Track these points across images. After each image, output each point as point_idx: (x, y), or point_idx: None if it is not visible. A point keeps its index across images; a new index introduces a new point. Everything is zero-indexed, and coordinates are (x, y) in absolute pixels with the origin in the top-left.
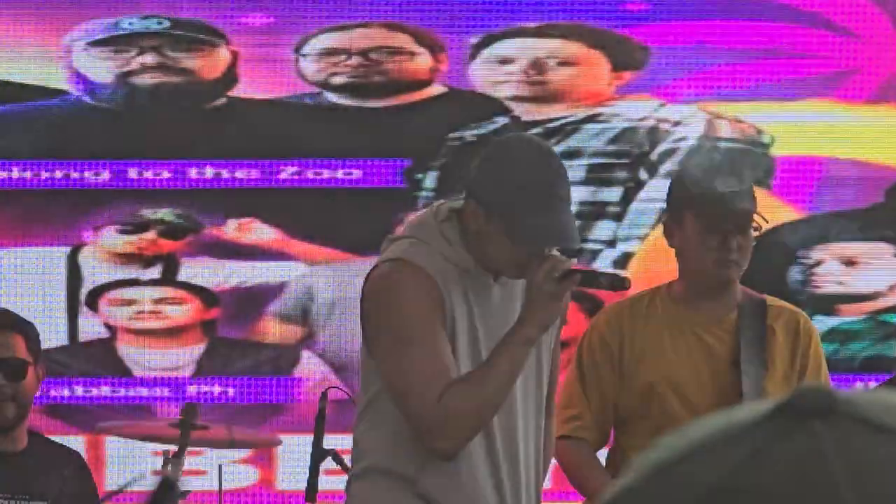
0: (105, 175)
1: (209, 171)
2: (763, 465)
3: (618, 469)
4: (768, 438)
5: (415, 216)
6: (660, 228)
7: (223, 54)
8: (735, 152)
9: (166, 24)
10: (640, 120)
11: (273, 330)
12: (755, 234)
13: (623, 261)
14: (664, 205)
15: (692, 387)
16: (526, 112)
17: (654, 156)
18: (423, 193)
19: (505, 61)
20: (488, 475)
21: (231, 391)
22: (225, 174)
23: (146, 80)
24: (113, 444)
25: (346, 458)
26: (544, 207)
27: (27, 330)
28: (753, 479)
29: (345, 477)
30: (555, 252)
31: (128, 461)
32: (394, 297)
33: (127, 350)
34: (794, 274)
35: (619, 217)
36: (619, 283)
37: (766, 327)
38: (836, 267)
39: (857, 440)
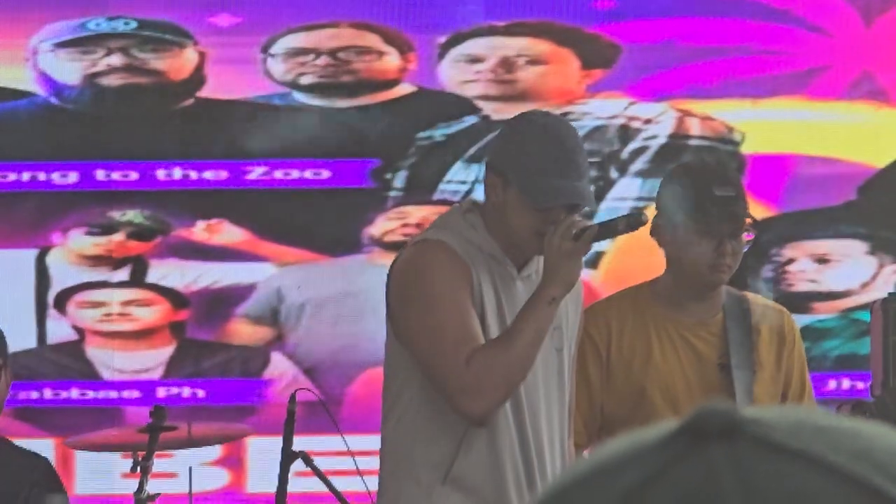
0: (73, 177)
1: (177, 173)
2: (656, 490)
3: None
4: (666, 461)
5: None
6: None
7: (191, 55)
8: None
9: (133, 24)
10: (610, 118)
11: (243, 331)
12: (748, 239)
13: (594, 260)
14: (636, 203)
15: (681, 392)
16: (495, 111)
17: (624, 154)
18: (393, 193)
19: (474, 60)
20: (519, 461)
21: (201, 393)
22: (193, 175)
23: (113, 81)
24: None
25: (316, 461)
26: (561, 170)
27: None
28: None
29: (315, 479)
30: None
31: (97, 464)
32: (422, 269)
33: (96, 352)
34: (767, 272)
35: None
36: (636, 221)
37: (752, 328)
38: (808, 265)
39: (753, 462)
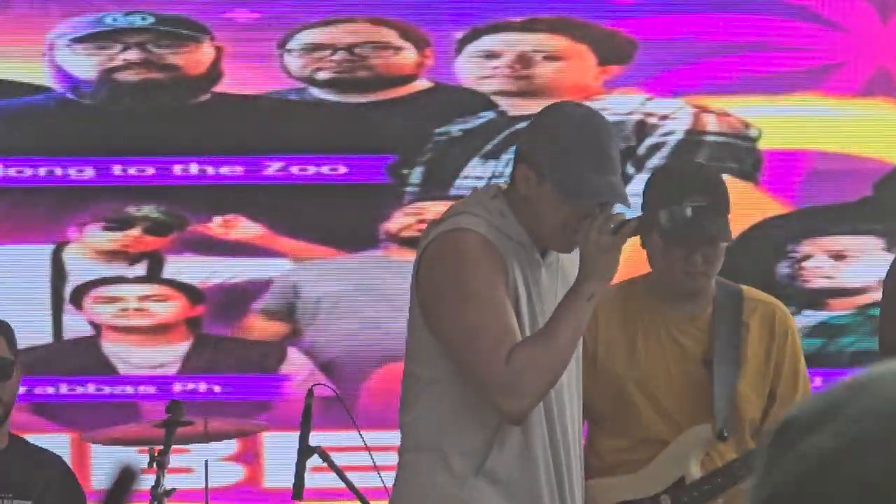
0: (89, 172)
1: (194, 168)
2: None
3: (590, 465)
4: None
5: (462, 198)
6: None
7: (207, 50)
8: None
9: (150, 19)
10: (627, 114)
11: (259, 327)
12: (725, 244)
13: None
14: None
15: (661, 388)
16: (512, 107)
17: (641, 150)
18: (409, 189)
19: (491, 56)
20: (549, 457)
21: (217, 388)
22: (210, 170)
23: (130, 76)
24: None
25: (332, 456)
26: (597, 165)
27: (6, 329)
28: None
29: (331, 475)
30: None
31: (113, 459)
32: (459, 260)
33: (112, 348)
34: (783, 268)
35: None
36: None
37: (741, 324)
38: (824, 261)
39: None
